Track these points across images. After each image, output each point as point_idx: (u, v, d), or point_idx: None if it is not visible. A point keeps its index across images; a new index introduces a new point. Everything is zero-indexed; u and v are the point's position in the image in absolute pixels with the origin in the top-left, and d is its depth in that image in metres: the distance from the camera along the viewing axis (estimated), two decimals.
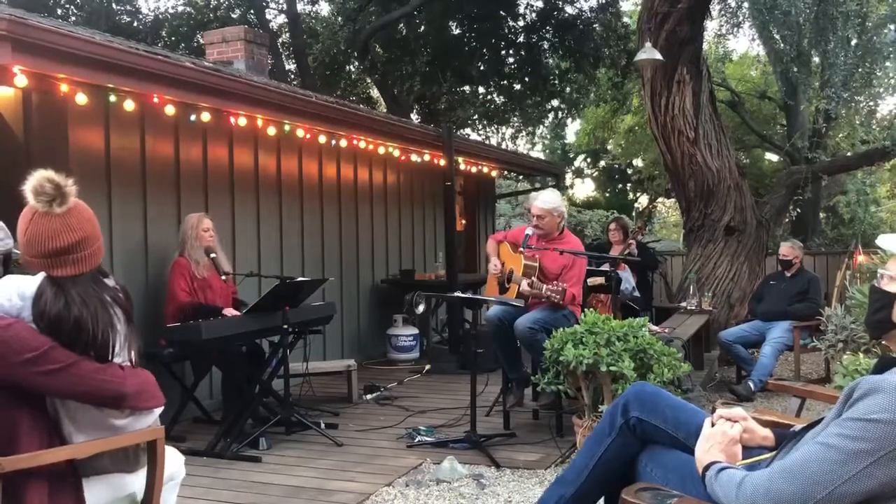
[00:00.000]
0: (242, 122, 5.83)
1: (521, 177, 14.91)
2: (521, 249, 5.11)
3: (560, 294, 4.74)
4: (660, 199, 22.31)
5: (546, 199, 5.16)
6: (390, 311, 8.02)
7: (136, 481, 2.32)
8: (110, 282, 2.29)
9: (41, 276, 2.16)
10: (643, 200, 23.52)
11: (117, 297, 2.26)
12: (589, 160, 24.93)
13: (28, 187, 2.14)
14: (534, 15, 14.17)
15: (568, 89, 15.17)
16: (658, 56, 7.07)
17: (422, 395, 6.32)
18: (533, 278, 4.92)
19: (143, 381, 2.27)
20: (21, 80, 4.15)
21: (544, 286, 4.79)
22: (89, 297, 2.16)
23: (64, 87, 4.45)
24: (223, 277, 5.24)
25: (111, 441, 2.21)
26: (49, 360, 2.05)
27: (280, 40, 15.22)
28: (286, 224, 6.87)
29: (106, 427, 2.20)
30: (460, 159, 8.87)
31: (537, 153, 22.64)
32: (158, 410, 2.34)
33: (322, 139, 6.83)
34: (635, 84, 13.72)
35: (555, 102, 15.76)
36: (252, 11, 14.74)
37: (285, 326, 4.93)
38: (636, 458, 2.27)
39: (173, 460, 2.52)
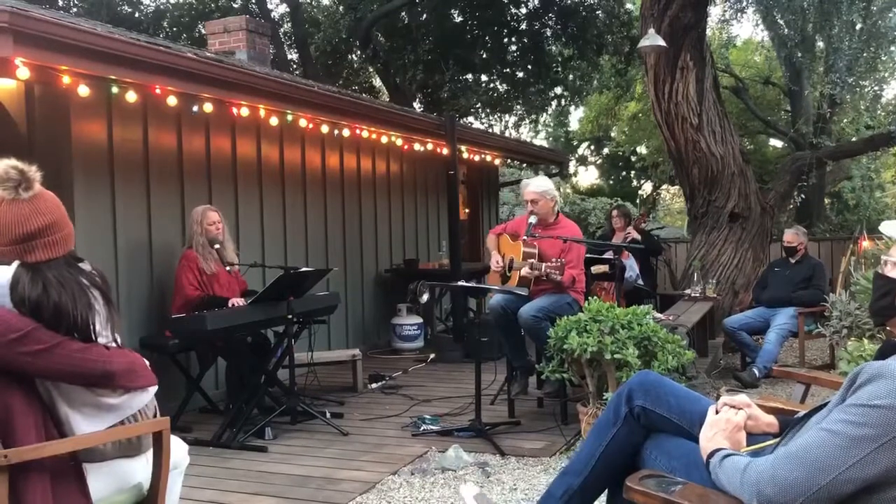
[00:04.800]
0: (245, 112, 5.83)
1: (524, 165, 14.90)
2: (525, 238, 5.13)
3: (559, 269, 4.76)
4: (664, 187, 22.24)
5: (538, 183, 5.27)
6: (394, 301, 8.04)
7: (140, 468, 2.33)
8: (86, 266, 2.30)
9: (15, 264, 2.16)
10: (647, 188, 23.45)
11: (94, 280, 2.26)
12: (592, 147, 24.85)
13: None
14: (536, 2, 14.10)
15: (571, 77, 15.11)
16: (661, 42, 7.04)
17: (426, 384, 6.34)
18: (532, 261, 4.95)
19: (131, 361, 2.27)
20: (23, 73, 4.15)
21: (544, 265, 4.84)
22: (66, 280, 2.17)
23: (66, 79, 4.45)
24: (228, 269, 5.25)
25: (116, 432, 2.22)
26: (33, 341, 2.06)
27: (282, 30, 15.18)
28: (290, 214, 6.88)
29: (101, 406, 2.20)
30: (463, 148, 8.86)
31: (540, 141, 22.57)
32: (153, 389, 2.34)
33: (325, 129, 6.82)
34: (639, 71, 13.66)
35: (558, 90, 15.70)
36: (253, 1, 14.70)
37: (290, 316, 4.94)
38: (641, 446, 2.28)
39: (177, 449, 2.52)
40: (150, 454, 2.34)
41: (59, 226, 2.21)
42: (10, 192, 2.15)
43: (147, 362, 2.38)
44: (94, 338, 2.20)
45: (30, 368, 2.08)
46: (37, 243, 2.16)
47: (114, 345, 2.27)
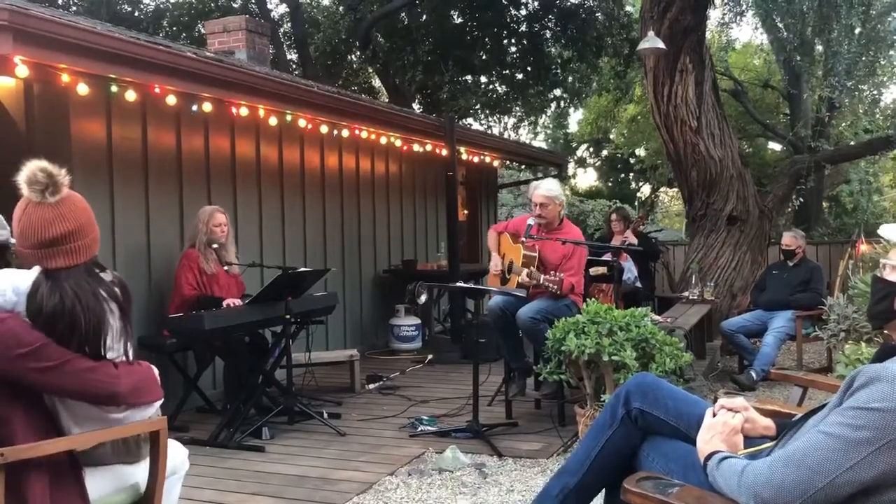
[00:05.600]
0: (244, 112, 5.83)
1: (523, 167, 14.91)
2: (523, 239, 5.12)
3: (557, 284, 4.74)
4: (662, 189, 22.26)
5: (548, 188, 5.21)
6: (392, 301, 8.03)
7: (138, 472, 2.33)
8: (107, 276, 2.27)
9: (36, 270, 2.15)
10: (646, 190, 23.47)
11: (112, 292, 2.23)
12: (591, 150, 24.86)
13: (21, 178, 2.14)
14: (536, 4, 14.11)
15: (570, 78, 15.12)
16: (661, 45, 7.04)
17: (424, 385, 6.33)
18: (532, 268, 4.94)
19: (139, 379, 2.25)
20: (22, 71, 4.15)
21: (542, 276, 4.81)
22: (82, 290, 2.14)
23: (65, 78, 4.45)
24: (225, 268, 5.24)
25: (112, 432, 2.21)
26: (42, 357, 2.04)
27: (281, 30, 15.18)
28: (288, 214, 6.88)
29: (103, 420, 2.19)
30: (462, 149, 8.86)
31: (539, 143, 22.59)
32: (158, 403, 2.33)
33: (324, 129, 6.82)
34: (638, 73, 13.65)
35: (557, 92, 15.71)
36: (253, 1, 14.70)
37: (288, 316, 4.94)
38: (638, 448, 2.28)
39: (177, 453, 2.52)
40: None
41: (83, 232, 2.19)
42: (37, 196, 2.13)
43: (157, 372, 2.37)
44: (103, 353, 2.18)
45: (36, 383, 2.07)
46: (58, 250, 2.14)
47: (123, 359, 2.24)
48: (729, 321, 6.90)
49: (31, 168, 2.13)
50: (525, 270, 4.92)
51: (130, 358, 2.28)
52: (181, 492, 2.65)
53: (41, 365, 2.04)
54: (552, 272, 4.85)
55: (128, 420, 2.23)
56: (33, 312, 2.08)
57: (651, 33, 7.18)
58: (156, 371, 2.36)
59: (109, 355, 2.20)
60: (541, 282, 4.79)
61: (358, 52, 14.67)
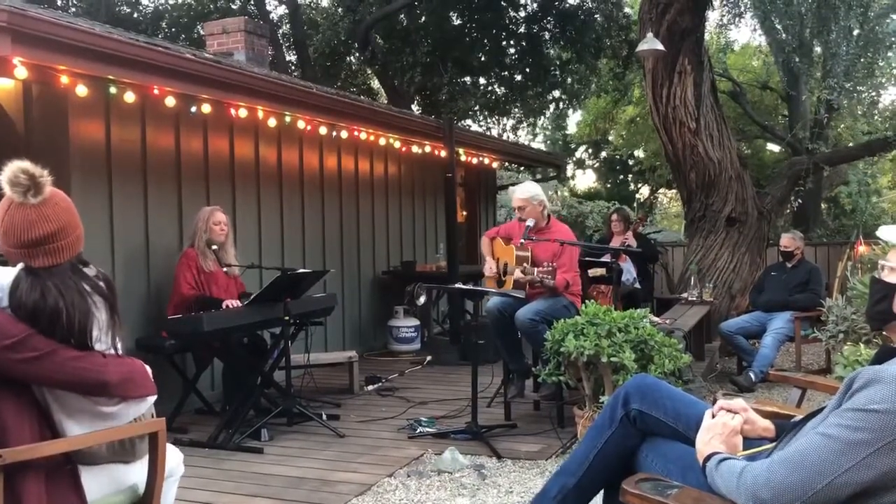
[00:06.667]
0: (243, 113, 5.83)
1: (522, 168, 14.90)
2: (522, 241, 5.13)
3: (551, 274, 4.76)
4: (661, 190, 22.26)
5: (524, 189, 5.30)
6: (391, 303, 8.03)
7: (135, 472, 2.33)
8: (91, 271, 2.28)
9: (19, 266, 2.16)
10: (644, 191, 23.47)
11: (97, 286, 2.24)
12: (590, 151, 24.86)
13: (3, 178, 2.14)
14: (535, 5, 14.12)
15: (569, 80, 15.11)
16: (659, 46, 7.05)
17: (423, 387, 6.33)
18: (525, 265, 4.96)
19: (129, 371, 2.25)
20: (21, 72, 4.15)
21: (536, 269, 4.85)
22: (66, 287, 2.15)
23: (64, 79, 4.45)
24: (224, 269, 5.25)
25: (109, 433, 2.21)
26: (27, 348, 2.04)
27: (280, 31, 15.18)
28: (287, 215, 6.88)
29: (96, 414, 2.19)
30: (461, 151, 8.86)
31: (538, 144, 22.57)
32: (151, 399, 2.33)
33: (323, 130, 6.82)
34: (637, 75, 13.67)
35: (556, 93, 15.70)
36: (252, 2, 14.70)
37: (286, 318, 4.94)
38: (637, 449, 2.28)
39: (172, 457, 2.51)
40: (146, 460, 2.33)
41: (65, 232, 2.19)
42: (19, 196, 2.13)
43: (149, 369, 2.36)
44: (90, 345, 2.18)
45: (22, 375, 2.07)
46: (40, 250, 2.14)
47: (112, 352, 2.25)
48: (728, 322, 6.90)
49: (13, 169, 2.14)
50: (519, 268, 4.95)
51: (119, 351, 2.28)
52: (178, 493, 2.66)
53: (26, 356, 2.04)
54: (545, 263, 4.89)
55: (121, 414, 2.23)
56: (15, 308, 2.09)
57: (650, 35, 7.19)
58: (148, 368, 2.36)
59: (98, 347, 2.20)
60: (535, 275, 4.82)
61: (357, 54, 14.66)
